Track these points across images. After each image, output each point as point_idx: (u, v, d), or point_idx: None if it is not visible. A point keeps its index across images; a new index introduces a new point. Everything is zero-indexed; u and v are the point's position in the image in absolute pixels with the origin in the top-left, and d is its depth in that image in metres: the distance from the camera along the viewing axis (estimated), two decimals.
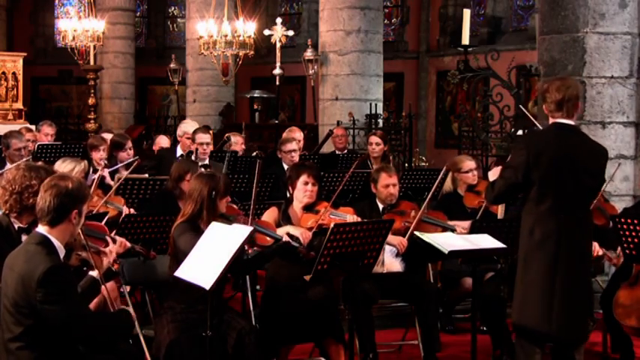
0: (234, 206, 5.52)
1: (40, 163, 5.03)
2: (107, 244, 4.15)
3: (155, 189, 6.65)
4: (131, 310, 4.03)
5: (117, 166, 7.39)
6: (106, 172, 7.10)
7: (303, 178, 5.31)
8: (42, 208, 3.72)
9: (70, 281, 3.71)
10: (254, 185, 5.26)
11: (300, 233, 5.12)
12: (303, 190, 5.32)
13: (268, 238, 4.92)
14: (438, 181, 6.29)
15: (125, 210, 6.03)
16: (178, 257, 4.60)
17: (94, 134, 12.92)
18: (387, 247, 5.67)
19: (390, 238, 5.52)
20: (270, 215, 5.35)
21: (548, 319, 4.55)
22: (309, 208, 5.34)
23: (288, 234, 5.11)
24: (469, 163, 6.70)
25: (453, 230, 5.75)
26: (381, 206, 6.00)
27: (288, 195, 5.50)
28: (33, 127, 11.50)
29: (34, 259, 3.63)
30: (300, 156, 8.60)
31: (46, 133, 9.48)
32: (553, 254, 4.51)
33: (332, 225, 4.61)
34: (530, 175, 4.51)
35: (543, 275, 4.53)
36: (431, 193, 6.01)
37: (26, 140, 8.00)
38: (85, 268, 4.23)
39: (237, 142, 9.55)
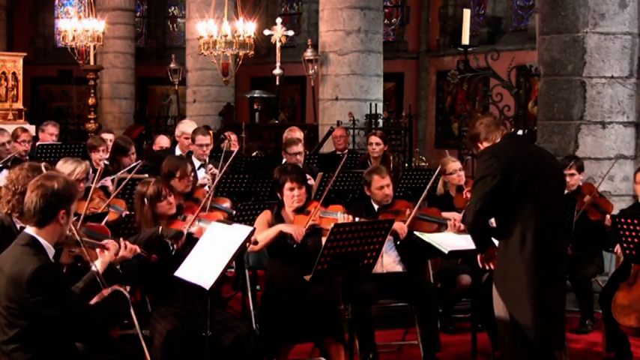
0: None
1: (43, 163, 5.02)
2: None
3: None
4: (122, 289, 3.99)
5: (120, 172, 7.34)
6: (108, 182, 7.02)
7: (287, 184, 5.33)
8: (29, 209, 3.67)
9: (60, 279, 3.66)
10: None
11: (293, 230, 5.15)
12: (290, 197, 5.34)
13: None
14: (432, 180, 6.32)
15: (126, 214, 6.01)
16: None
17: (94, 134, 12.95)
18: (385, 245, 5.67)
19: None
20: (263, 218, 5.38)
21: (554, 328, 4.44)
22: (299, 209, 5.36)
23: (281, 232, 5.16)
24: (453, 165, 6.81)
25: (447, 225, 5.77)
26: (376, 207, 6.00)
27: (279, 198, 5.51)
28: (31, 127, 11.48)
29: (22, 260, 3.60)
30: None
31: (51, 133, 9.48)
32: (550, 260, 4.34)
33: (332, 225, 4.61)
34: (507, 179, 4.24)
35: (549, 284, 4.34)
36: (425, 191, 6.02)
37: (9, 135, 8.02)
38: (79, 264, 4.21)
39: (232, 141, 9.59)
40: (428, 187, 6.09)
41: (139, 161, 7.50)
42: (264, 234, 5.17)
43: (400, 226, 5.70)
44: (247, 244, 4.71)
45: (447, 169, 6.80)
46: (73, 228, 3.89)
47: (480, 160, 4.48)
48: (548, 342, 4.40)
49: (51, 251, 3.73)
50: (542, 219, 4.33)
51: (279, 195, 5.43)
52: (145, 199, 5.01)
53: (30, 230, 3.70)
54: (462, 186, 6.66)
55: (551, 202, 4.41)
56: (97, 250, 4.07)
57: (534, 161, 4.44)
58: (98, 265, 3.95)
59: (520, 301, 4.35)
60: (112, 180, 7.03)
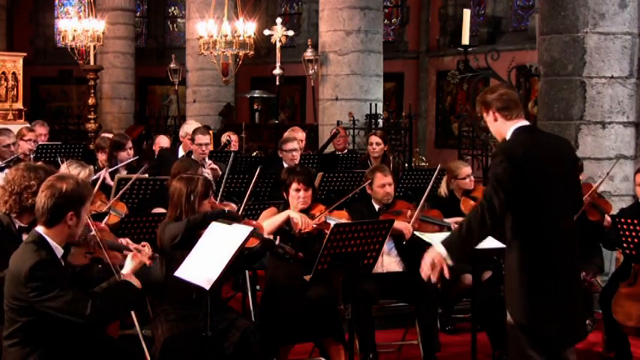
0: (232, 205, 5.54)
1: (40, 163, 5.03)
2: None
3: (155, 189, 6.67)
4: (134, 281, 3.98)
5: (117, 166, 7.40)
6: (106, 173, 7.09)
7: (294, 185, 5.33)
8: (38, 209, 3.77)
9: (57, 274, 3.69)
10: (250, 187, 5.27)
11: (300, 216, 5.17)
12: (295, 197, 5.34)
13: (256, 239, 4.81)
14: (432, 180, 6.29)
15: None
16: (167, 253, 4.63)
17: (94, 134, 12.97)
18: (385, 245, 5.67)
19: (396, 223, 5.47)
20: (268, 215, 5.37)
21: (572, 323, 4.31)
22: (304, 211, 5.35)
23: (289, 217, 5.18)
24: (465, 170, 6.72)
25: (450, 228, 5.76)
26: (377, 206, 5.99)
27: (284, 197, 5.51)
28: None
29: (23, 256, 3.68)
30: (304, 156, 8.62)
31: (39, 133, 9.43)
32: (560, 264, 4.09)
33: (332, 225, 4.61)
34: (520, 182, 3.98)
35: (562, 281, 4.09)
36: (426, 192, 6.01)
37: (14, 137, 8.01)
38: (99, 266, 4.20)
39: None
40: (428, 188, 6.08)
41: (137, 157, 7.56)
42: (272, 220, 5.19)
43: (405, 226, 5.70)
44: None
45: (460, 174, 6.63)
46: (95, 230, 3.94)
47: (493, 159, 4.24)
48: (561, 342, 4.29)
49: (59, 251, 3.79)
50: (554, 226, 4.09)
51: (285, 195, 5.43)
52: (192, 196, 4.74)
53: (39, 229, 3.78)
54: (469, 190, 6.60)
55: (562, 205, 4.15)
56: (129, 253, 4.06)
57: (547, 161, 4.12)
58: (128, 268, 3.96)
59: (530, 304, 4.19)
60: (111, 173, 7.08)
